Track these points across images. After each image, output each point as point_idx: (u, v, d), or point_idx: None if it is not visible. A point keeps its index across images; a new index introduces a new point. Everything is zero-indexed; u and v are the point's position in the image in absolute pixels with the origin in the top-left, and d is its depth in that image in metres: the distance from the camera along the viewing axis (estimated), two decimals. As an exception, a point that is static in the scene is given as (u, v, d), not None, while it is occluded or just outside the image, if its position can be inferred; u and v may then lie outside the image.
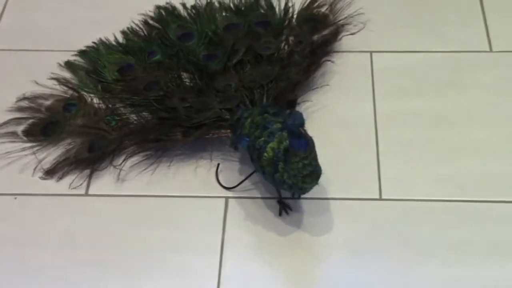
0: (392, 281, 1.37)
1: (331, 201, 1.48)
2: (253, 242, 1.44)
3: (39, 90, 1.67)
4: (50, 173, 1.55)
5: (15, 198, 1.52)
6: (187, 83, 1.64)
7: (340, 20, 1.77)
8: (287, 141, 1.33)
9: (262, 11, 1.77)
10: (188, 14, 1.79)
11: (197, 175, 1.53)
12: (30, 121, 1.63)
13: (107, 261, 1.42)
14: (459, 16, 1.82)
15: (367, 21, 1.78)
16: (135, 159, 1.55)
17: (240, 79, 1.61)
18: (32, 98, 1.66)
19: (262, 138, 1.39)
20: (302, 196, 1.47)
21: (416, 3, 1.86)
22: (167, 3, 1.81)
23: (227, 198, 1.50)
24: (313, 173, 1.34)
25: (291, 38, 1.72)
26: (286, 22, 1.76)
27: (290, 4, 1.77)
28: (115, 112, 1.61)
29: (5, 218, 1.49)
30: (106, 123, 1.59)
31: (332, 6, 1.79)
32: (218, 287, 1.38)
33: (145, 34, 1.76)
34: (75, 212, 1.49)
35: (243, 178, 1.51)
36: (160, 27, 1.76)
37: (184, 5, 1.80)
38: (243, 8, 1.78)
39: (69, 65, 1.73)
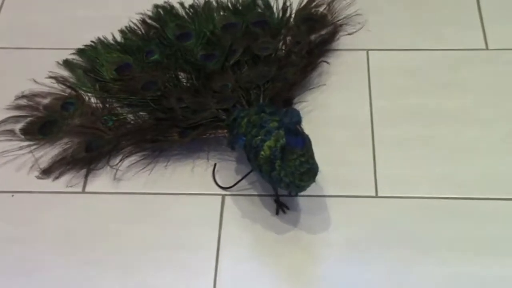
0: (389, 279, 1.37)
1: (327, 198, 1.47)
2: (250, 240, 1.43)
3: (37, 88, 1.66)
4: (46, 172, 1.54)
5: (12, 196, 1.51)
6: (184, 83, 1.63)
7: (338, 20, 1.76)
8: (284, 139, 1.33)
9: (260, 10, 1.76)
10: (186, 13, 1.78)
11: (194, 175, 1.52)
12: (28, 119, 1.62)
13: (104, 259, 1.41)
14: (456, 14, 1.81)
15: (365, 21, 1.77)
16: (132, 159, 1.55)
17: (237, 80, 1.60)
18: (31, 96, 1.65)
19: (259, 137, 1.38)
20: (299, 193, 1.46)
21: (412, 2, 1.85)
22: (165, 2, 1.80)
23: (223, 196, 1.49)
24: (310, 171, 1.33)
25: (288, 38, 1.71)
26: (284, 22, 1.75)
27: (288, 4, 1.76)
28: (112, 112, 1.60)
29: (1, 215, 1.48)
30: (103, 123, 1.58)
31: (330, 6, 1.78)
32: (214, 284, 1.37)
33: (143, 33, 1.75)
34: (72, 209, 1.49)
35: (240, 177, 1.50)
36: (158, 26, 1.75)
37: (182, 4, 1.79)
38: (240, 8, 1.77)
39: (67, 63, 1.72)
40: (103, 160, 1.54)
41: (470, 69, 1.69)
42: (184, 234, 1.44)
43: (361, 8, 1.79)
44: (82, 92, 1.65)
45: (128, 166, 1.54)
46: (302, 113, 1.28)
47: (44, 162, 1.55)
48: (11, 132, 1.60)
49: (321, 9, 1.77)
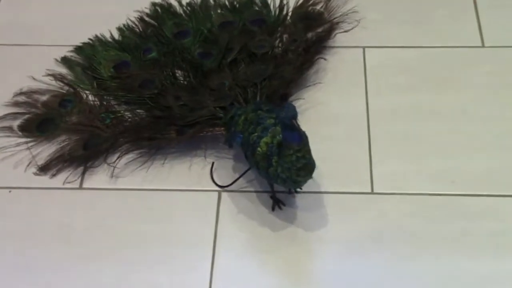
0: (384, 275, 1.36)
1: (323, 195, 1.47)
2: (246, 236, 1.42)
3: (36, 85, 1.66)
4: (44, 169, 1.53)
5: (10, 192, 1.51)
6: (181, 81, 1.62)
7: (334, 18, 1.75)
8: (281, 135, 1.32)
9: (257, 8, 1.75)
10: (184, 11, 1.77)
11: (192, 172, 1.51)
12: (26, 116, 1.61)
13: (101, 254, 1.40)
14: (452, 12, 1.81)
15: (361, 19, 1.76)
16: (129, 156, 1.54)
17: (234, 78, 1.59)
18: (29, 93, 1.65)
19: (256, 134, 1.37)
20: (298, 191, 1.46)
21: (409, -1, 1.86)
22: (163, 0, 1.79)
23: (219, 192, 1.48)
24: (307, 166, 1.32)
25: (285, 36, 1.70)
26: (281, 20, 1.74)
27: (284, 2, 1.75)
28: (110, 110, 1.60)
29: (-1, 211, 1.49)
30: (101, 121, 1.57)
31: (326, 4, 1.77)
32: (210, 280, 1.36)
33: (140, 31, 1.74)
34: (70, 205, 1.48)
35: (237, 175, 1.49)
36: (155, 24, 1.75)
37: (179, 2, 1.78)
38: (237, 6, 1.76)
39: (65, 61, 1.71)
40: (101, 158, 1.53)
41: (466, 67, 1.68)
42: (181, 230, 1.43)
43: (357, 6, 1.78)
44: (80, 90, 1.64)
45: (126, 164, 1.53)
46: (299, 111, 1.28)
47: (42, 159, 1.54)
48: (9, 128, 1.59)
49: (318, 7, 1.77)
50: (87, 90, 1.64)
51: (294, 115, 1.26)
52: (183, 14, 1.76)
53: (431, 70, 1.68)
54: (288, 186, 1.42)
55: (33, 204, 1.48)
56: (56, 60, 1.71)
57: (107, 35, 1.74)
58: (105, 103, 1.61)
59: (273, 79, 1.58)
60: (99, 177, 1.51)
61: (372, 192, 1.47)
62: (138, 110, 1.58)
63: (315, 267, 1.38)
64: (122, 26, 1.75)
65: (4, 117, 1.61)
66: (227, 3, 1.77)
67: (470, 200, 1.45)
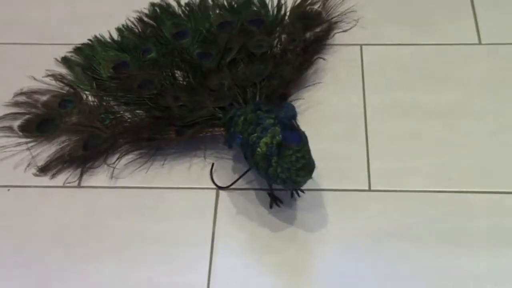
0: (382, 272, 1.35)
1: (321, 192, 1.46)
2: (244, 234, 1.41)
3: (36, 85, 1.65)
4: (44, 170, 1.52)
5: (8, 190, 1.49)
6: (180, 82, 1.61)
7: (332, 18, 1.74)
8: (280, 135, 1.31)
9: (255, 9, 1.74)
10: (183, 11, 1.76)
11: (191, 173, 1.50)
12: (26, 116, 1.60)
13: (99, 253, 1.39)
14: (449, 9, 1.80)
15: (360, 18, 1.75)
16: (129, 157, 1.53)
17: (233, 78, 1.58)
18: (29, 93, 1.64)
19: (255, 134, 1.36)
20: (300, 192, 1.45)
21: (406, -3, 1.85)
22: (161, 0, 1.78)
23: (217, 190, 1.47)
24: (306, 166, 1.31)
25: (284, 36, 1.69)
26: (279, 20, 1.72)
27: (282, 2, 1.74)
28: (109, 110, 1.58)
29: (-2, 209, 1.48)
30: (101, 121, 1.56)
31: (324, 3, 1.76)
32: (208, 278, 1.35)
33: (140, 32, 1.73)
34: (68, 203, 1.47)
35: (237, 176, 1.48)
36: (154, 24, 1.73)
37: (178, 2, 1.77)
38: (236, 6, 1.75)
39: (65, 61, 1.70)
40: (100, 159, 1.52)
41: (463, 64, 1.67)
42: (179, 228, 1.42)
43: (355, 4, 1.77)
44: (80, 90, 1.63)
45: (125, 165, 1.52)
46: (298, 111, 1.28)
47: (42, 159, 1.53)
48: (9, 128, 1.59)
49: (316, 6, 1.75)
50: (87, 90, 1.63)
51: (293, 115, 1.25)
52: (182, 15, 1.75)
53: (428, 67, 1.67)
54: (288, 187, 1.40)
55: (31, 202, 1.47)
56: (56, 60, 1.70)
57: (108, 33, 1.72)
58: (104, 103, 1.59)
59: (272, 79, 1.57)
60: (98, 178, 1.50)
61: (369, 190, 1.46)
62: (137, 111, 1.57)
63: (313, 264, 1.38)
64: (121, 26, 1.74)
65: (4, 117, 1.60)
66: (225, 3, 1.75)
67: (467, 196, 1.44)
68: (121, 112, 1.58)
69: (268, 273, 1.36)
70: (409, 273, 1.34)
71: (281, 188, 1.42)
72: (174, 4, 1.77)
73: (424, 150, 1.52)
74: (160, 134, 1.51)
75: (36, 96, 1.63)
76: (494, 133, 1.54)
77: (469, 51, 1.70)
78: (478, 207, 1.43)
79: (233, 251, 1.39)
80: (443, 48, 1.71)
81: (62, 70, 1.68)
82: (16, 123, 1.59)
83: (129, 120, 1.56)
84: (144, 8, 1.77)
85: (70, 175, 1.50)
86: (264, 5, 1.74)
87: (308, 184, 1.40)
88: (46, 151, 1.54)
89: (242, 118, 1.42)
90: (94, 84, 1.63)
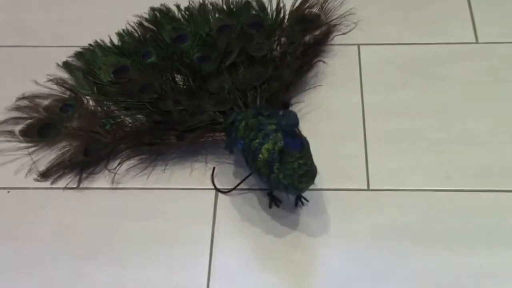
0: (382, 271, 1.34)
1: (319, 192, 1.44)
2: (243, 234, 1.40)
3: (37, 89, 1.63)
4: (44, 175, 1.50)
5: (8, 192, 1.48)
6: (181, 86, 1.59)
7: (331, 20, 1.73)
8: (282, 141, 1.29)
9: (254, 12, 1.72)
10: (182, 16, 1.74)
11: (192, 178, 1.48)
12: (28, 121, 1.59)
13: (100, 254, 1.38)
14: (446, 8, 1.78)
15: (359, 20, 1.73)
16: (130, 162, 1.51)
17: (233, 81, 1.56)
18: (31, 98, 1.62)
19: (257, 140, 1.34)
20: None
21: (403, -4, 1.84)
22: (161, 4, 1.77)
23: (216, 191, 1.46)
24: (308, 173, 1.30)
25: (283, 39, 1.67)
26: (278, 23, 1.71)
27: (281, 5, 1.72)
28: (110, 115, 1.57)
29: (-3, 211, 1.46)
30: (101, 126, 1.54)
31: (323, 6, 1.75)
32: (208, 278, 1.34)
33: (139, 36, 1.71)
34: (68, 205, 1.45)
35: (238, 181, 1.46)
36: (154, 29, 1.72)
37: (178, 6, 1.76)
38: (235, 10, 1.73)
39: (66, 65, 1.69)
40: (101, 164, 1.50)
41: (461, 63, 1.66)
42: (179, 228, 1.40)
43: (353, 7, 1.75)
44: (81, 95, 1.61)
45: (126, 170, 1.50)
46: (299, 115, 1.26)
47: (42, 165, 1.51)
48: (11, 133, 1.57)
49: (314, 9, 1.74)
50: (88, 95, 1.61)
51: (296, 123, 1.23)
52: (182, 19, 1.73)
53: (425, 66, 1.66)
54: (290, 192, 1.39)
55: (31, 204, 1.45)
56: (58, 64, 1.69)
57: (108, 37, 1.71)
58: (105, 108, 1.58)
59: (272, 82, 1.55)
60: (100, 183, 1.48)
61: (368, 189, 1.44)
62: (138, 115, 1.55)
63: (311, 262, 1.36)
64: (121, 31, 1.72)
65: (6, 121, 1.58)
66: (224, 7, 1.74)
67: (467, 195, 1.43)
68: (122, 116, 1.56)
69: (266, 270, 1.35)
70: (408, 272, 1.33)
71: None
72: (174, 8, 1.75)
73: (423, 149, 1.50)
74: (161, 138, 1.49)
75: (38, 100, 1.61)
76: (493, 132, 1.53)
77: (466, 50, 1.68)
78: (477, 206, 1.41)
79: (233, 249, 1.37)
80: (441, 47, 1.69)
81: (64, 74, 1.67)
82: (17, 128, 1.57)
83: (129, 125, 1.54)
84: (144, 12, 1.76)
85: (71, 180, 1.48)
86: (263, 9, 1.72)
87: (308, 185, 1.40)
88: (47, 156, 1.52)
89: (243, 123, 1.40)
90: (95, 89, 1.61)
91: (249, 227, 1.40)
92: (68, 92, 1.62)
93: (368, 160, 1.49)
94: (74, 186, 1.48)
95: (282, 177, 1.29)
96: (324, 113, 1.58)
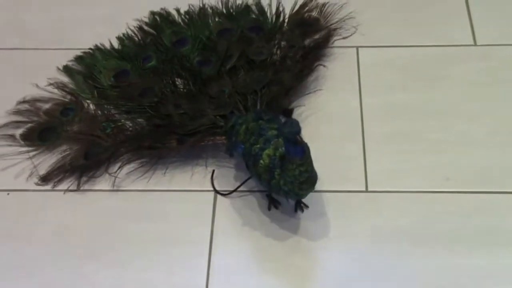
0: (381, 272, 1.33)
1: (318, 194, 1.43)
2: (242, 235, 1.39)
3: (38, 93, 1.63)
4: (45, 179, 1.49)
5: (8, 194, 1.47)
6: (181, 90, 1.58)
7: (331, 24, 1.72)
8: (283, 147, 1.28)
9: (254, 16, 1.71)
10: (182, 20, 1.73)
11: (193, 182, 1.47)
12: (29, 125, 1.58)
13: (99, 255, 1.38)
14: (444, 11, 1.77)
15: (358, 25, 1.73)
16: (130, 166, 1.50)
17: (234, 85, 1.55)
18: (32, 102, 1.61)
19: (258, 145, 1.33)
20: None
21: (402, -1, 1.83)
22: (161, 8, 1.75)
23: (215, 193, 1.45)
24: (309, 179, 1.29)
25: (283, 43, 1.66)
26: (278, 27, 1.70)
27: (281, 9, 1.72)
28: (110, 119, 1.56)
29: (-2, 213, 1.45)
30: (102, 130, 1.53)
31: (322, 10, 1.74)
32: (207, 279, 1.34)
33: (140, 40, 1.70)
34: (67, 206, 1.45)
35: (238, 184, 1.45)
36: (154, 33, 1.71)
37: (178, 10, 1.74)
38: (235, 14, 1.72)
39: (67, 69, 1.68)
40: (102, 168, 1.49)
41: (459, 65, 1.65)
42: (178, 230, 1.40)
43: (353, 10, 1.75)
44: (82, 99, 1.61)
45: (127, 174, 1.49)
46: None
47: (43, 168, 1.50)
48: (12, 137, 1.56)
49: (314, 13, 1.73)
50: (88, 99, 1.60)
51: (298, 131, 1.22)
52: (182, 23, 1.72)
53: (424, 68, 1.65)
54: (290, 198, 1.38)
55: (31, 206, 1.45)
56: (58, 68, 1.67)
57: (109, 41, 1.70)
58: (105, 112, 1.57)
59: (273, 86, 1.54)
60: (100, 186, 1.47)
61: (366, 191, 1.44)
62: (138, 119, 1.54)
63: (309, 263, 1.36)
64: (121, 35, 1.71)
65: (7, 125, 1.57)
66: (224, 11, 1.73)
67: (465, 197, 1.42)
68: (122, 120, 1.55)
69: (266, 271, 1.34)
70: (408, 273, 1.33)
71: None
72: (174, 12, 1.74)
73: (421, 150, 1.50)
74: (161, 142, 1.48)
75: (38, 104, 1.60)
76: (491, 134, 1.52)
77: (465, 52, 1.67)
78: (476, 207, 1.41)
79: (231, 250, 1.37)
80: (439, 49, 1.68)
81: (64, 78, 1.66)
82: (18, 132, 1.57)
83: (130, 128, 1.53)
84: (144, 16, 1.75)
85: (72, 184, 1.47)
86: (262, 12, 1.71)
87: (307, 186, 1.39)
88: (47, 160, 1.52)
89: (243, 127, 1.39)
90: (95, 93, 1.60)
91: (248, 229, 1.40)
92: (68, 96, 1.62)
93: (367, 162, 1.48)
94: (75, 190, 1.47)
95: (283, 183, 1.28)
96: (324, 117, 1.57)
